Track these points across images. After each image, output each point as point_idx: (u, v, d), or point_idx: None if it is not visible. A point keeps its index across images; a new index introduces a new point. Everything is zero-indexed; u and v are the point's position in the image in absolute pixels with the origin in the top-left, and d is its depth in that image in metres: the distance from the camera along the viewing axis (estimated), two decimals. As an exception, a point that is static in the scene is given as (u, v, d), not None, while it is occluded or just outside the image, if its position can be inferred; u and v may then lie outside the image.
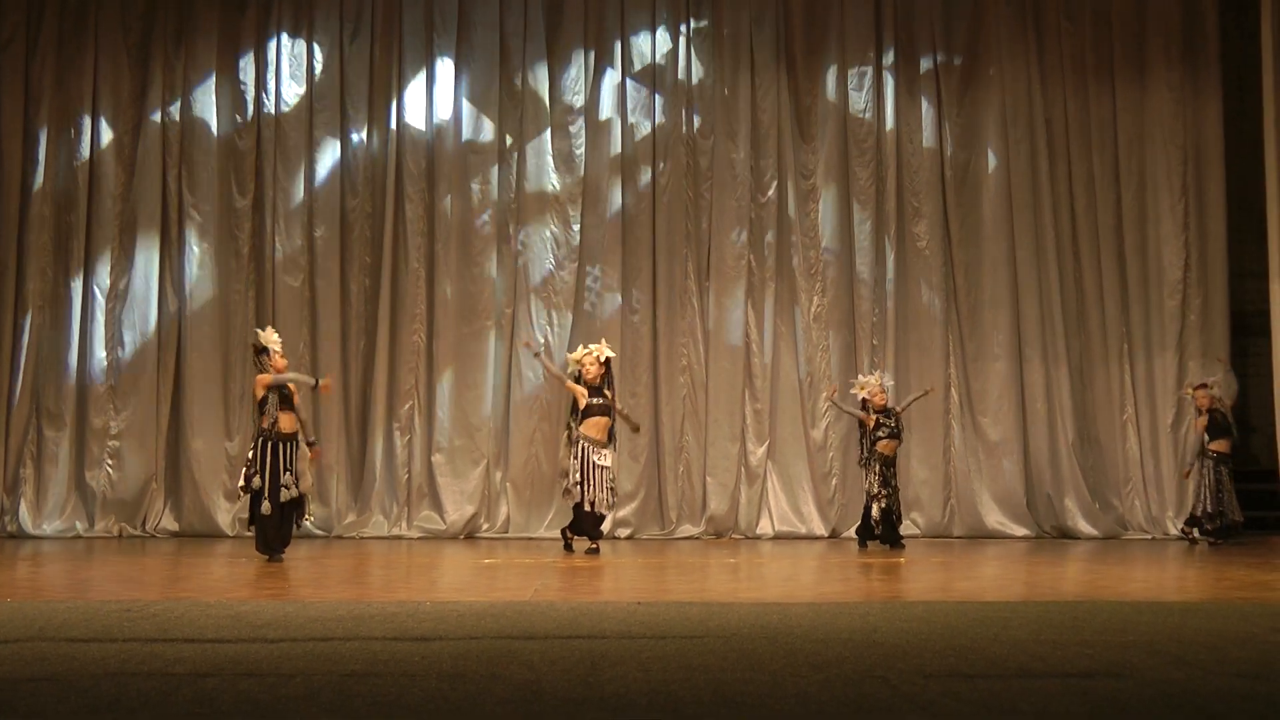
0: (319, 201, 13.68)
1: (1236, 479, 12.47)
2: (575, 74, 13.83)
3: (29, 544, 12.37)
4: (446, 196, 13.66)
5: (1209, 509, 12.04)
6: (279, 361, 10.30)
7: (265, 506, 9.95)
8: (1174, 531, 13.11)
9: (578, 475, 10.89)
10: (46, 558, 10.88)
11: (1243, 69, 13.89)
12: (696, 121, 13.85)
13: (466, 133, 13.77)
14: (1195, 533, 12.27)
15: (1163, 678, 4.57)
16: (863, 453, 11.92)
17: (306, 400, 10.97)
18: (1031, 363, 13.66)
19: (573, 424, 11.07)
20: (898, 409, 11.91)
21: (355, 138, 13.76)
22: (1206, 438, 12.14)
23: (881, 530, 11.66)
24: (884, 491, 11.62)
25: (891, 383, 12.33)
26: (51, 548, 11.94)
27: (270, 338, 10.39)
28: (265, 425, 10.06)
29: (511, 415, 13.50)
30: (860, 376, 12.22)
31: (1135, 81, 13.96)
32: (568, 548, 11.24)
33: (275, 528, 10.07)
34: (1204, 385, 12.31)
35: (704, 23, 13.93)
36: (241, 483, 10.19)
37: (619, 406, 11.31)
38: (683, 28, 13.91)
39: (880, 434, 11.68)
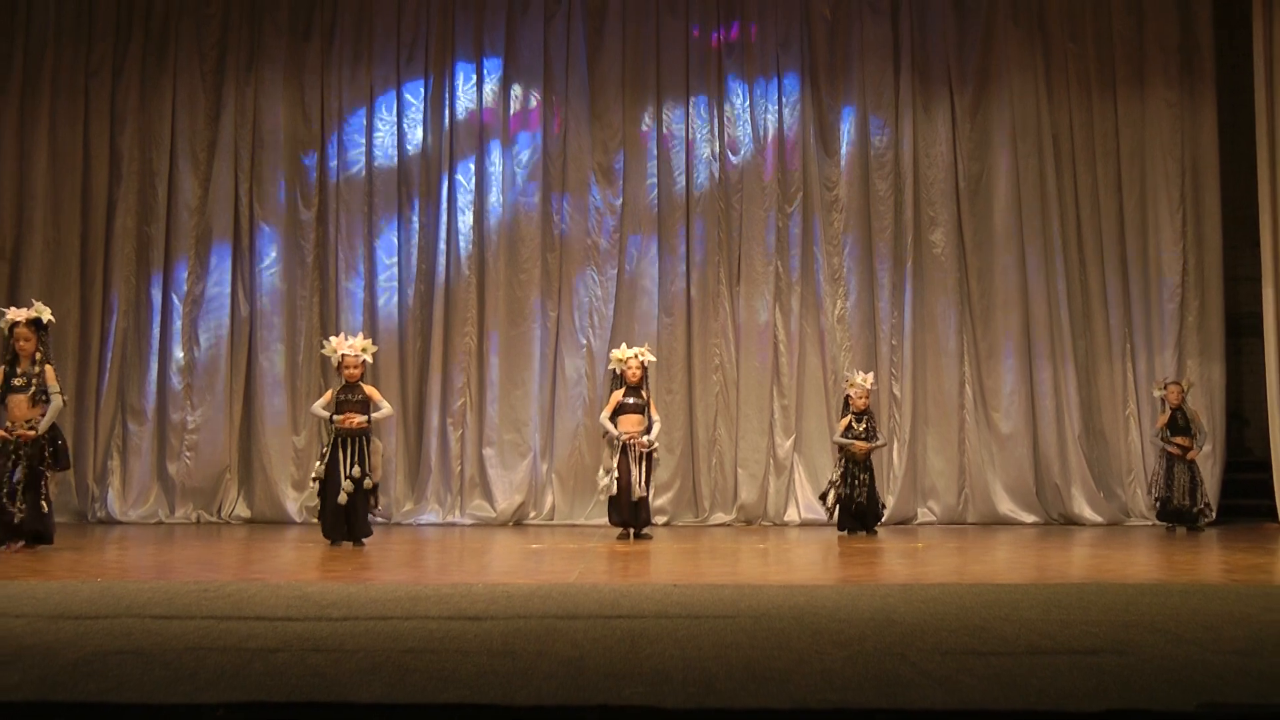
0: (377, 213, 13.75)
1: (1230, 469, 12.35)
2: (615, 92, 13.84)
3: (117, 529, 12.50)
4: (495, 208, 13.70)
5: (1161, 493, 12.06)
6: (354, 372, 10.28)
7: (342, 496, 9.98)
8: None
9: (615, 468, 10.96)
10: (132, 541, 10.97)
11: (1236, 86, 13.80)
12: (727, 137, 13.85)
13: (513, 148, 13.81)
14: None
15: (1163, 654, 4.54)
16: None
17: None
18: (1040, 361, 13.58)
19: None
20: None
21: (411, 155, 13.82)
22: (1167, 432, 12.08)
23: (836, 515, 11.58)
24: (842, 484, 11.55)
25: (874, 386, 12.11)
26: (137, 532, 12.05)
27: (338, 347, 10.38)
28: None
29: (556, 411, 13.54)
30: (859, 376, 11.89)
31: (1136, 98, 13.87)
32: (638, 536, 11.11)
33: (331, 516, 10.09)
34: (1176, 383, 12.23)
35: (734, 45, 13.94)
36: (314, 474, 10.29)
37: (654, 405, 11.30)
38: (715, 51, 13.93)
39: (848, 435, 11.64)
